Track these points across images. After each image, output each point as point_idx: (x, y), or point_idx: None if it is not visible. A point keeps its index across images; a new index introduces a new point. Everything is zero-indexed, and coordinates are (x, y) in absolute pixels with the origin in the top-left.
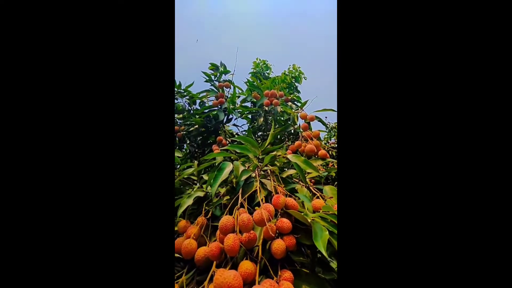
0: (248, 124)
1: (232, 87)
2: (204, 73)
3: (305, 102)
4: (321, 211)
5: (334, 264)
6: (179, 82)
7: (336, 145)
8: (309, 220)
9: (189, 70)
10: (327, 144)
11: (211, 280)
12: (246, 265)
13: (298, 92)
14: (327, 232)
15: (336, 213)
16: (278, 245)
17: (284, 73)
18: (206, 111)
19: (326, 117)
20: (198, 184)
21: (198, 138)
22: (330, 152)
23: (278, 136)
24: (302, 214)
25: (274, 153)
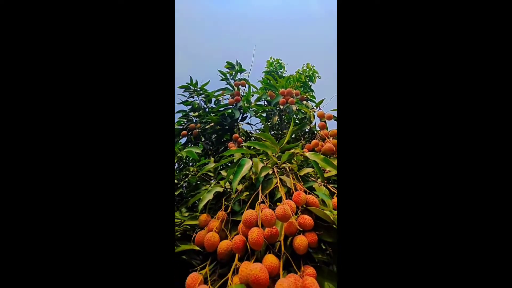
0: (262, 123)
1: (247, 85)
2: (220, 71)
3: (321, 101)
4: None
5: None
6: (196, 80)
7: None
8: (331, 218)
9: (205, 68)
10: None
11: (234, 273)
12: (271, 259)
13: (312, 91)
14: None
15: None
16: (301, 240)
17: (298, 72)
18: (221, 109)
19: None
20: (215, 180)
21: (213, 136)
22: None
23: (293, 135)
24: (324, 211)
25: (292, 150)
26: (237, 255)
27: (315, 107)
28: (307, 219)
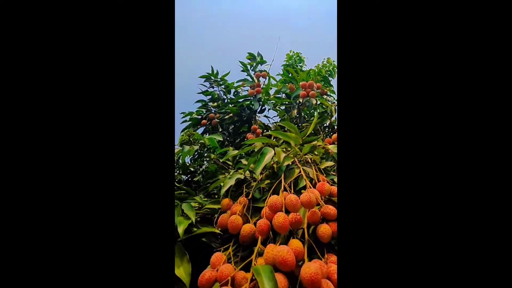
0: (279, 117)
1: (267, 78)
2: (241, 62)
3: None
4: None
5: None
6: (217, 70)
7: None
8: None
9: (225, 60)
10: None
11: (257, 256)
12: (296, 243)
13: (331, 86)
14: None
15: None
16: (325, 229)
17: (319, 66)
18: (240, 100)
19: None
20: (233, 169)
21: (231, 127)
22: None
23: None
24: None
25: (314, 142)
26: (259, 239)
27: (336, 102)
28: (331, 209)
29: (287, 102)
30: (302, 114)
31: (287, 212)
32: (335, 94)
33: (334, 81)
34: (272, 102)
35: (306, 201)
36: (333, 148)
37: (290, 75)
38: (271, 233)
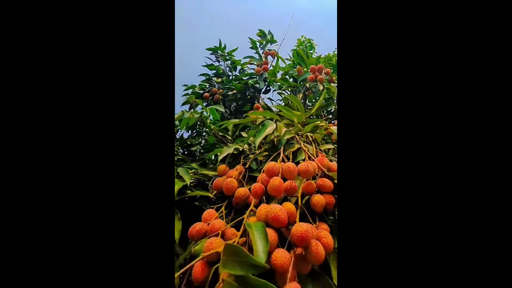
0: (283, 102)
1: (275, 58)
2: (250, 39)
3: None
4: None
5: None
6: (224, 44)
7: None
8: None
9: (235, 35)
10: None
11: (249, 215)
12: (289, 205)
13: None
14: None
15: None
16: (319, 198)
17: (329, 55)
18: (246, 77)
19: None
20: (232, 143)
21: (233, 104)
22: None
23: (314, 116)
24: None
25: (317, 122)
26: (253, 202)
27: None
28: (327, 181)
29: (293, 85)
30: (307, 100)
31: (284, 179)
32: None
33: None
34: (278, 84)
35: (304, 170)
36: (334, 130)
37: (301, 58)
38: (264, 198)
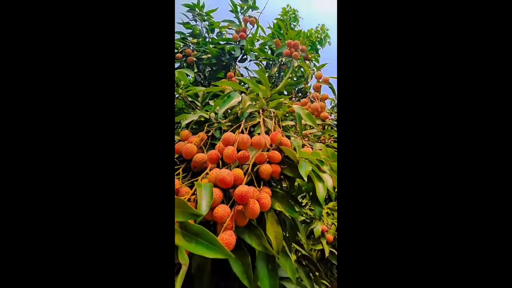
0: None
1: (255, 26)
2: (232, 1)
3: (324, 65)
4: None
5: (303, 203)
6: (203, 3)
7: (334, 122)
8: (297, 158)
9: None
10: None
11: (203, 178)
12: (238, 171)
13: (318, 55)
14: (311, 167)
15: (321, 158)
16: (266, 167)
17: (311, 31)
18: (222, 42)
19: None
20: (201, 109)
21: (208, 69)
22: (325, 127)
23: (285, 92)
24: (292, 152)
25: (281, 99)
26: (209, 166)
27: (315, 69)
28: (276, 153)
29: (269, 58)
30: (282, 74)
31: (239, 150)
32: (318, 62)
33: (322, 51)
34: (255, 54)
35: (256, 142)
36: (297, 110)
37: (281, 31)
38: (220, 163)
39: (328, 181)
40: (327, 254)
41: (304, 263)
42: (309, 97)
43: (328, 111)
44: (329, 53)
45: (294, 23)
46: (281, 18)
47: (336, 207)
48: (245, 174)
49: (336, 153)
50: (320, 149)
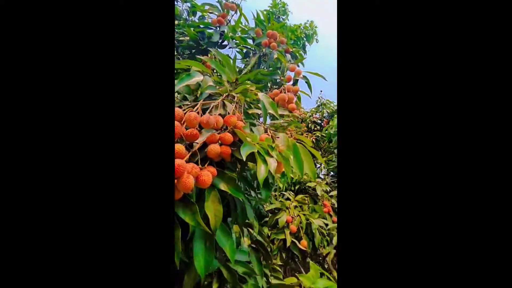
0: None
1: (238, 14)
2: None
3: (302, 59)
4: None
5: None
6: None
7: (319, 121)
8: (248, 140)
9: None
10: (311, 117)
11: None
12: (178, 146)
13: (305, 52)
14: (255, 150)
15: (272, 145)
16: (214, 147)
17: (298, 26)
18: (202, 26)
19: (321, 91)
20: None
21: (186, 52)
22: (309, 125)
23: (263, 82)
24: (245, 136)
25: (248, 86)
26: None
27: (294, 63)
28: (228, 135)
29: (250, 47)
30: (262, 66)
31: (187, 126)
32: (303, 57)
33: (309, 47)
34: (236, 42)
35: (205, 121)
36: (262, 97)
37: (263, 22)
38: None
39: (272, 165)
40: (288, 243)
41: (257, 248)
42: (281, 89)
43: (313, 109)
44: (320, 50)
45: (284, 17)
46: (270, 10)
47: (305, 200)
48: (189, 149)
49: (298, 144)
50: (278, 137)
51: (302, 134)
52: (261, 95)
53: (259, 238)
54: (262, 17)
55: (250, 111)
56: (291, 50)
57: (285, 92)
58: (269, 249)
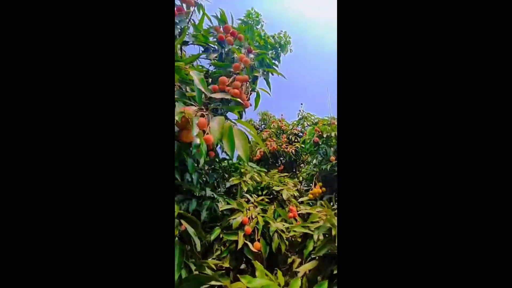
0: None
1: (194, 7)
2: None
3: (263, 56)
4: None
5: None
6: None
7: (300, 133)
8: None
9: None
10: (292, 129)
11: None
12: None
13: (279, 61)
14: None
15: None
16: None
17: (267, 35)
18: None
19: (302, 104)
20: None
21: None
22: (290, 137)
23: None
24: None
25: (180, 63)
26: None
27: (252, 60)
28: None
29: (210, 43)
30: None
31: None
32: (274, 64)
33: (283, 57)
34: (195, 35)
35: None
36: (193, 74)
37: (225, 23)
38: None
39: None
40: (239, 245)
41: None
42: (231, 78)
43: (294, 122)
44: (291, 62)
45: (258, 26)
46: (245, 20)
47: (266, 201)
48: None
49: (234, 128)
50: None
51: (281, 145)
52: (192, 73)
53: (192, 233)
54: (227, 17)
55: (190, 95)
56: (257, 52)
57: (234, 81)
58: (199, 245)
